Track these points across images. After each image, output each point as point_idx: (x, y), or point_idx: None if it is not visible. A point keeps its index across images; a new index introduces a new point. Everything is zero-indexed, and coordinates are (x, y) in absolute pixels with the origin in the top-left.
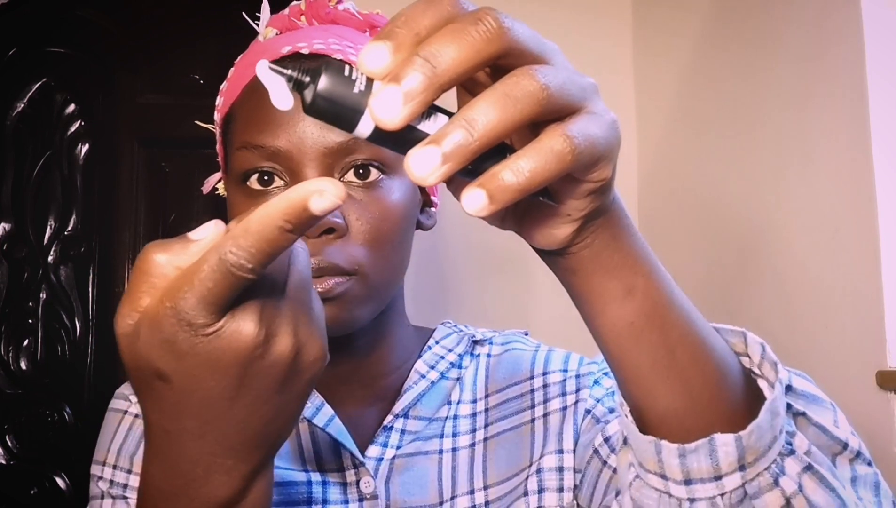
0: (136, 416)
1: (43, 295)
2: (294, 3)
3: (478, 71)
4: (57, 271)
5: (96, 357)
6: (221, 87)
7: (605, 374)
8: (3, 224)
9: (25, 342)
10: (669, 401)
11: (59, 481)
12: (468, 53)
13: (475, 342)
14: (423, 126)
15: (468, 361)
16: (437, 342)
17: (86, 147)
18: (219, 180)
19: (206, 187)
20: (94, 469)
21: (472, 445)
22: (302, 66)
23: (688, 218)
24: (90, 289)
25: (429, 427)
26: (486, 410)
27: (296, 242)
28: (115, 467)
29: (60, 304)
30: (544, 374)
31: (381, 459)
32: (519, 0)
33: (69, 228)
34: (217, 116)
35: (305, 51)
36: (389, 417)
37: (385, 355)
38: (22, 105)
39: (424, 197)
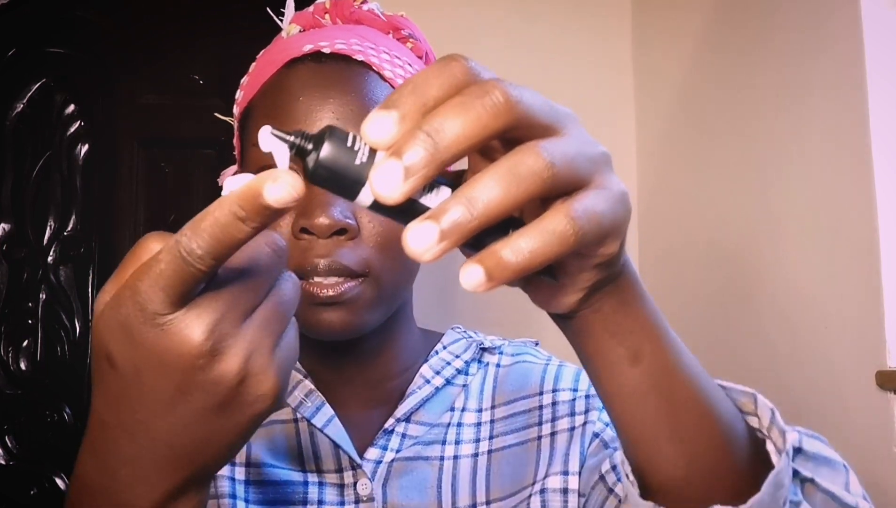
0: None
1: (42, 296)
2: (319, 0)
3: (483, 146)
4: (56, 271)
5: None
6: (242, 81)
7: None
8: (2, 225)
9: (25, 343)
10: (671, 467)
11: (58, 481)
12: (473, 129)
13: (483, 350)
14: (425, 199)
15: (475, 368)
16: (444, 348)
17: (85, 147)
18: (234, 174)
19: (222, 179)
20: None
21: (475, 455)
22: (305, 133)
23: (687, 217)
24: (90, 289)
25: (430, 433)
26: (492, 421)
27: (289, 274)
28: None
29: (60, 304)
30: (554, 391)
31: (379, 462)
32: (519, 3)
33: (69, 228)
34: (236, 110)
35: (327, 50)
36: (391, 420)
37: (391, 358)
38: (21, 105)
39: None
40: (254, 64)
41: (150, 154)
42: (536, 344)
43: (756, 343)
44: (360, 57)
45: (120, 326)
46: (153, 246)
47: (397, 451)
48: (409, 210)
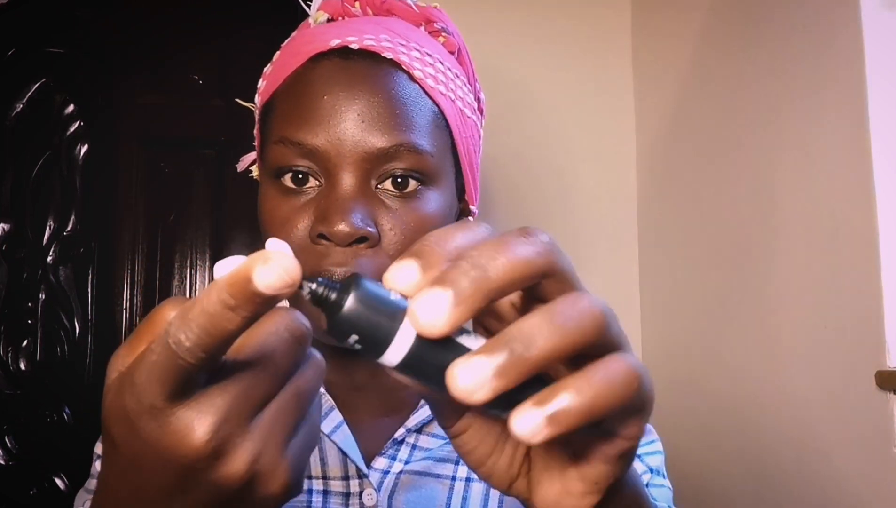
0: None
1: (42, 296)
2: None
3: (526, 285)
4: (56, 271)
5: (95, 358)
6: (265, 70)
7: (638, 457)
8: (2, 225)
9: (25, 343)
10: None
11: (58, 482)
12: (519, 263)
13: None
14: (466, 341)
15: None
16: None
17: (85, 148)
18: (253, 162)
19: (241, 166)
20: (97, 447)
21: None
22: (329, 281)
23: (687, 217)
24: (89, 290)
25: (443, 449)
26: None
27: (313, 355)
28: None
29: (60, 304)
30: None
31: (387, 472)
32: (519, 3)
33: (68, 228)
34: (258, 100)
35: (355, 46)
36: (401, 430)
37: None
38: (21, 105)
39: (462, 205)
40: (278, 53)
41: (150, 154)
42: None
43: (756, 343)
44: (388, 55)
45: (121, 413)
46: (169, 315)
47: (406, 462)
48: (448, 358)
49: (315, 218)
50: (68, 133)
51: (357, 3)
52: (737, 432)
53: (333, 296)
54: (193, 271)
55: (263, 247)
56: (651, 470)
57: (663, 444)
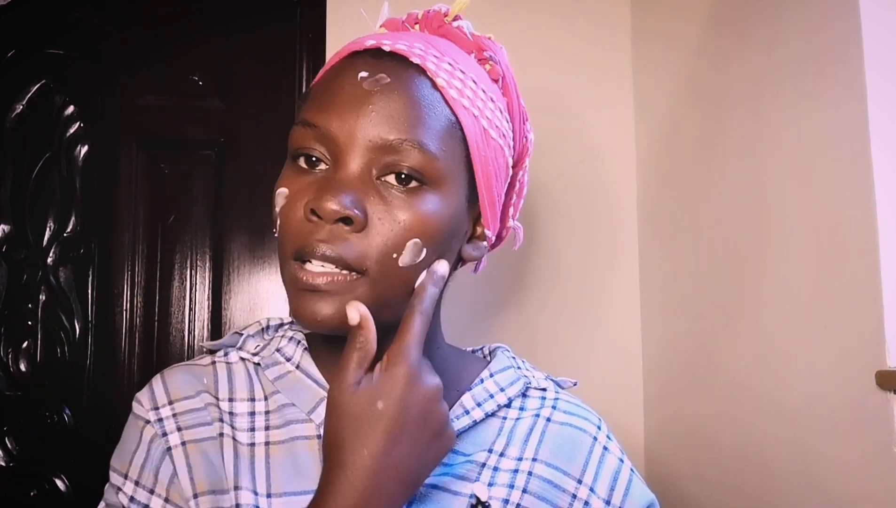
0: (156, 434)
1: (42, 297)
2: (412, 11)
3: None
4: (56, 272)
5: (96, 359)
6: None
7: None
8: (2, 226)
9: (25, 344)
10: None
11: (58, 483)
12: None
13: (529, 388)
14: None
15: (519, 402)
16: (491, 375)
17: (85, 149)
18: None
19: None
20: (115, 478)
21: (506, 501)
22: None
23: (687, 216)
24: (89, 291)
25: (464, 466)
26: (530, 473)
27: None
28: (137, 483)
29: (60, 306)
30: (591, 490)
31: None
32: (518, 2)
33: (68, 229)
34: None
35: (387, 48)
36: None
37: None
38: (21, 107)
39: (480, 230)
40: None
41: (150, 155)
42: (575, 384)
43: (755, 342)
44: (416, 60)
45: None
46: None
47: None
48: None
49: (312, 195)
50: (68, 134)
51: (417, 25)
52: (736, 431)
53: None
54: (193, 273)
55: (263, 246)
56: None
57: (663, 444)
